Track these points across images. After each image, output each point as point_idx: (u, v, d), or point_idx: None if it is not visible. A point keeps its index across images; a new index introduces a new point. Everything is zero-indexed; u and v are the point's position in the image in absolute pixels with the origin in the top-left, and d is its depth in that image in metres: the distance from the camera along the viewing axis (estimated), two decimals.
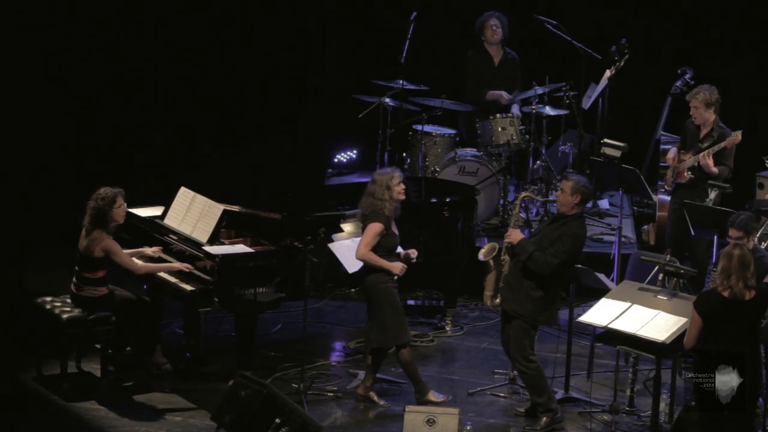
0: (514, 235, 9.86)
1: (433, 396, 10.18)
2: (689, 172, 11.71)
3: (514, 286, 9.84)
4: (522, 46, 13.75)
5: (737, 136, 11.47)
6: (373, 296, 10.01)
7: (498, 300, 10.00)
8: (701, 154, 11.51)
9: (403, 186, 9.98)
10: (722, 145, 11.50)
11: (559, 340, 10.80)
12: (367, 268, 10.02)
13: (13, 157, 13.54)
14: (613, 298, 9.80)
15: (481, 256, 10.07)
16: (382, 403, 10.27)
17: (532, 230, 10.15)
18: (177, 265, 10.31)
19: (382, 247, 9.96)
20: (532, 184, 13.43)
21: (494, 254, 9.97)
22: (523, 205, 10.56)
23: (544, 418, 9.95)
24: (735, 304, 8.59)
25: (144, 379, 10.48)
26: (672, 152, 11.94)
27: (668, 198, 12.30)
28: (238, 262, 10.23)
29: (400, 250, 10.18)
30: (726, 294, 8.59)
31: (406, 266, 10.03)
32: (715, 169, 11.47)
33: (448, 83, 13.73)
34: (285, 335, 11.66)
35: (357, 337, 11.53)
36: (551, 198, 10.13)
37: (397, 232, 10.06)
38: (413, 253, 10.12)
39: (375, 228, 9.89)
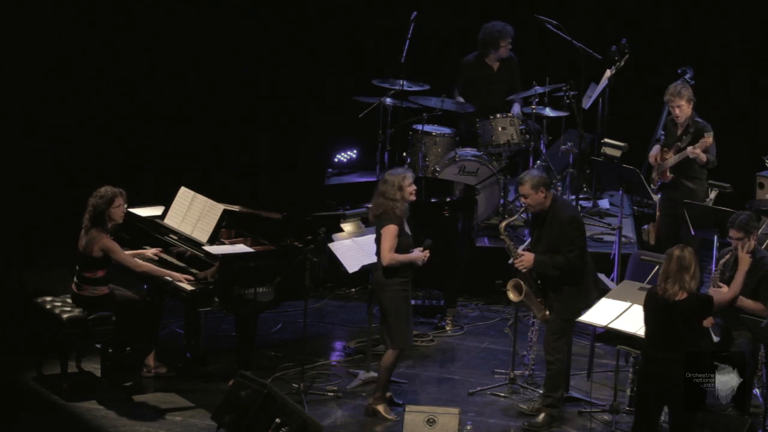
0: (528, 259, 9.88)
1: (384, 408, 10.07)
2: (670, 172, 11.71)
3: (557, 295, 9.91)
4: (522, 46, 13.75)
5: (708, 139, 11.49)
6: (380, 299, 10.01)
7: (548, 312, 10.03)
8: (689, 150, 11.50)
9: (414, 187, 9.94)
10: (700, 146, 11.51)
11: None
12: (378, 269, 9.98)
13: (13, 157, 13.54)
14: (613, 298, 9.81)
15: (513, 298, 10.04)
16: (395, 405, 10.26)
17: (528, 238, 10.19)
18: (177, 275, 10.29)
19: (399, 248, 9.90)
20: None
21: (524, 291, 9.97)
22: (506, 233, 10.53)
23: (543, 414, 9.98)
24: (666, 305, 8.63)
25: (143, 379, 10.50)
26: (654, 150, 11.93)
27: None
28: (238, 262, 10.23)
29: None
30: (660, 293, 8.67)
31: (427, 253, 9.96)
32: (704, 157, 11.50)
33: (448, 83, 13.72)
34: (285, 335, 11.66)
35: (357, 337, 11.54)
36: (521, 208, 10.11)
37: (409, 232, 10.01)
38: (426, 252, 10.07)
39: (392, 230, 9.82)
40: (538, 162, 13.49)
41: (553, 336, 9.96)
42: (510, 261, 10.10)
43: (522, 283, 9.96)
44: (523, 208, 10.11)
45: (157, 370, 10.60)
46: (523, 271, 9.95)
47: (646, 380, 8.77)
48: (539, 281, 10.01)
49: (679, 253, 8.69)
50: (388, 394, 10.25)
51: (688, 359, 8.56)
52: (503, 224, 10.20)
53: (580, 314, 9.92)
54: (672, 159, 11.66)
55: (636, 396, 9.10)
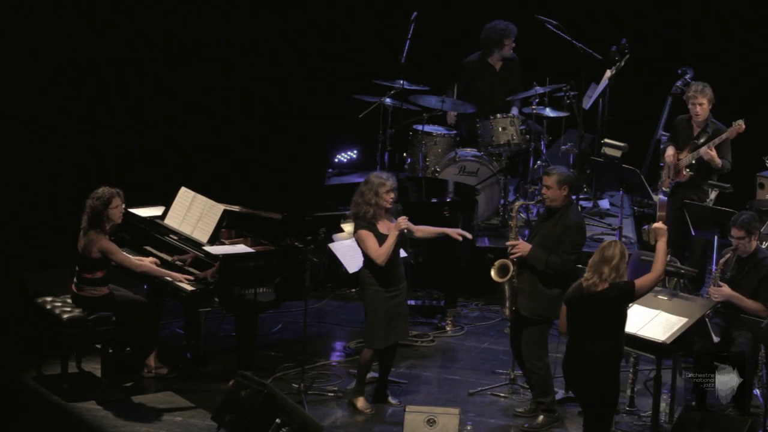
0: (523, 247, 9.88)
1: (361, 402, 10.15)
2: (688, 170, 11.71)
3: (529, 290, 9.88)
4: (522, 46, 13.75)
5: (741, 125, 11.45)
6: (362, 296, 10.06)
7: (513, 308, 10.01)
8: (704, 149, 11.51)
9: (392, 195, 9.91)
10: (724, 136, 11.50)
11: (559, 340, 10.75)
12: (362, 267, 10.02)
13: (13, 156, 13.53)
14: None
15: (495, 278, 10.02)
16: (395, 402, 10.31)
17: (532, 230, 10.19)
18: (177, 275, 10.29)
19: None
20: (532, 183, 13.42)
21: (509, 274, 9.94)
22: (520, 211, 10.68)
23: (542, 417, 9.99)
24: (587, 296, 8.62)
25: (143, 379, 10.51)
26: (671, 150, 11.91)
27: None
28: (239, 262, 10.23)
29: (403, 254, 10.17)
30: (584, 284, 8.66)
31: (403, 217, 9.88)
32: (719, 161, 11.50)
33: (448, 83, 13.72)
34: (285, 335, 11.66)
35: (357, 337, 11.53)
36: (539, 198, 10.13)
37: (388, 232, 9.99)
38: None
39: (363, 235, 9.88)
40: (540, 162, 13.48)
41: (529, 346, 9.94)
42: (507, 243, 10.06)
43: (510, 266, 9.94)
44: (538, 199, 10.09)
45: (158, 371, 10.59)
46: (513, 256, 9.91)
47: (565, 373, 8.81)
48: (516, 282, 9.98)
49: (606, 245, 8.66)
50: (390, 398, 10.29)
51: (600, 356, 8.58)
52: (517, 204, 10.26)
53: (545, 319, 9.90)
54: (689, 157, 11.66)
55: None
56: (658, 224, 9.11)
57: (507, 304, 10.03)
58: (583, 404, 8.86)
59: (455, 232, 10.22)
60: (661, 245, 8.93)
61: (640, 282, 8.78)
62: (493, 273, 10.01)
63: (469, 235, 10.29)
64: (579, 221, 9.92)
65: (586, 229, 10.01)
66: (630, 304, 9.33)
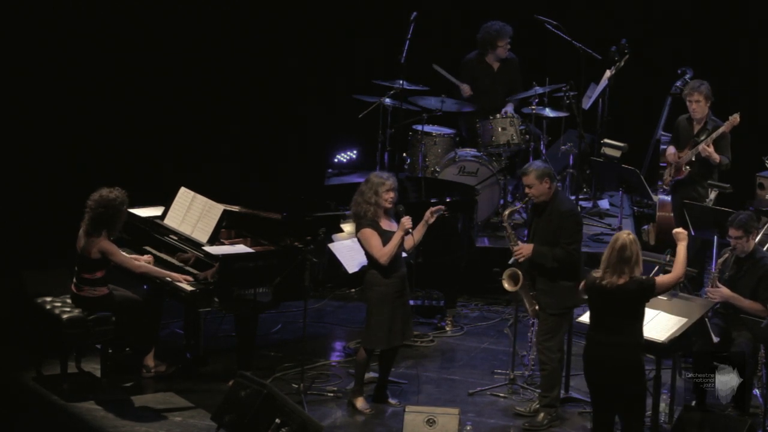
0: (526, 249, 9.90)
1: (360, 402, 10.16)
2: (687, 167, 11.73)
3: (548, 289, 9.91)
4: (522, 46, 13.75)
5: (735, 118, 11.48)
6: (367, 296, 10.05)
7: (538, 307, 10.02)
8: (701, 146, 11.53)
9: (392, 195, 9.93)
10: (721, 130, 11.53)
11: None
12: (368, 267, 10.02)
13: (13, 157, 13.54)
14: None
15: (509, 288, 10.03)
16: (394, 402, 10.33)
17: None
18: (176, 276, 10.29)
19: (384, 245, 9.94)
20: None
21: (520, 282, 9.96)
22: (513, 218, 10.70)
23: (542, 414, 9.99)
24: (605, 291, 8.65)
25: (143, 379, 10.51)
26: (671, 149, 11.94)
27: (668, 198, 12.29)
28: (238, 263, 10.23)
29: (403, 254, 10.17)
30: (598, 278, 8.70)
31: (407, 217, 9.88)
32: (717, 157, 11.52)
33: (447, 83, 13.73)
34: (285, 335, 11.66)
35: (357, 337, 11.51)
36: (525, 199, 10.11)
37: (391, 229, 9.99)
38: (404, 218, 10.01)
39: (367, 233, 9.89)
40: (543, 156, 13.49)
41: (545, 336, 9.97)
42: (510, 261, 10.10)
43: (519, 273, 9.96)
44: (526, 199, 10.09)
45: (157, 369, 10.60)
46: (519, 260, 9.96)
47: (590, 365, 8.79)
48: (532, 275, 10.00)
49: (622, 242, 8.66)
50: (390, 398, 10.29)
51: (628, 346, 8.61)
52: (507, 212, 10.26)
53: (569, 311, 9.93)
54: (689, 154, 11.68)
55: (588, 385, 9.02)
56: (679, 229, 9.25)
57: (529, 305, 10.04)
58: (610, 399, 8.82)
59: (428, 216, 10.06)
60: (681, 248, 9.07)
61: (660, 280, 8.88)
62: (505, 284, 10.03)
63: (442, 207, 10.15)
64: (570, 207, 10.01)
65: (579, 213, 10.06)
66: None
